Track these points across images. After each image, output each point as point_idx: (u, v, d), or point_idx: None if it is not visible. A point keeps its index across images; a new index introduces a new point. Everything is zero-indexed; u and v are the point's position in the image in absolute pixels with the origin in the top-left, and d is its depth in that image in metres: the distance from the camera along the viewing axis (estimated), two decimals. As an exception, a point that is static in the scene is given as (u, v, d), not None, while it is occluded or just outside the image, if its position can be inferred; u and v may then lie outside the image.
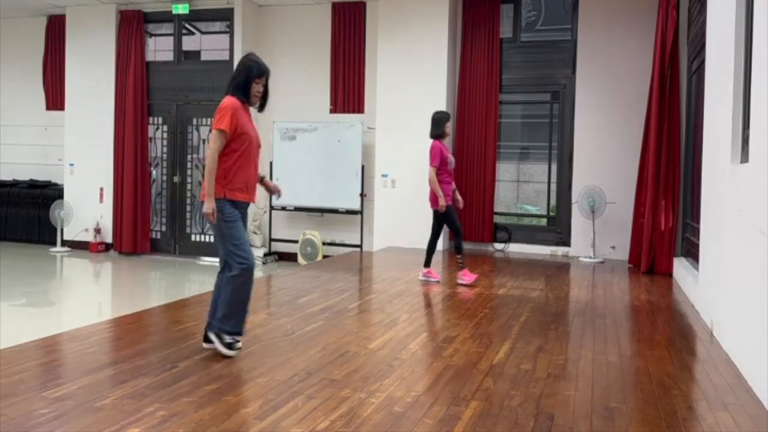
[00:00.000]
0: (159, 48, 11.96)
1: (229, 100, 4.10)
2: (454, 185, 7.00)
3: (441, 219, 6.92)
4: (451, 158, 6.88)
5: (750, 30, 4.46)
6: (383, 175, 10.15)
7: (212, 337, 4.12)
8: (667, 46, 8.07)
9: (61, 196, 11.79)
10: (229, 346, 4.09)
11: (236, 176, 4.09)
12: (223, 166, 4.05)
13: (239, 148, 4.07)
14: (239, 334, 4.16)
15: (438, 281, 7.08)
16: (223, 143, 4.04)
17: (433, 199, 6.81)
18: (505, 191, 11.45)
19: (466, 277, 6.93)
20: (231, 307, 4.07)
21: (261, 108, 4.32)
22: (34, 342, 4.50)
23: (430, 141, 6.90)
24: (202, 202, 4.06)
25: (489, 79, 9.98)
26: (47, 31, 12.36)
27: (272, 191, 4.51)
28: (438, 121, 6.90)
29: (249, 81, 4.13)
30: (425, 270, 7.14)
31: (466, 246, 10.10)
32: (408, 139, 9.96)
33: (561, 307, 6.04)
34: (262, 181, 4.40)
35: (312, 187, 10.56)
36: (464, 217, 10.06)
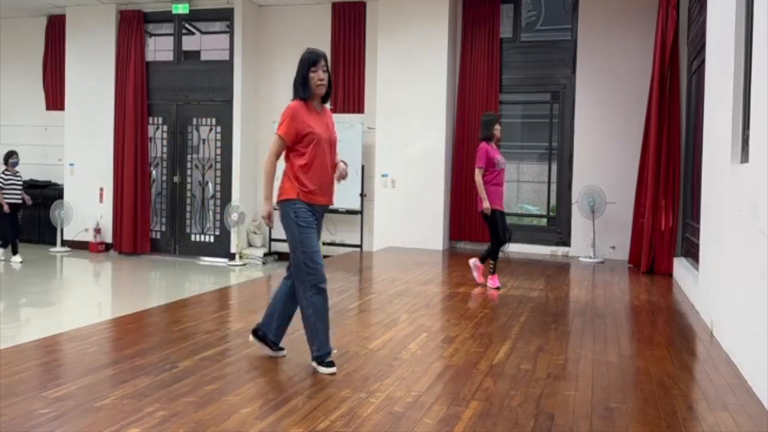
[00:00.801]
0: (159, 48, 11.96)
1: (290, 105, 3.93)
2: (504, 188, 6.85)
3: (486, 222, 6.78)
4: (499, 159, 6.68)
5: (750, 30, 4.46)
6: (383, 175, 10.15)
7: (313, 364, 3.88)
8: (667, 46, 8.07)
9: (61, 196, 11.79)
10: (329, 364, 3.85)
11: (308, 177, 3.83)
12: (294, 167, 3.85)
13: (307, 149, 3.83)
14: (328, 353, 3.89)
15: (482, 284, 6.88)
16: (281, 148, 3.86)
17: (479, 201, 6.69)
18: (505, 191, 11.43)
19: (492, 280, 6.80)
20: (313, 328, 3.85)
21: (326, 97, 4.03)
22: (34, 342, 4.50)
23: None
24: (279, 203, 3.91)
25: (489, 79, 9.98)
26: (47, 31, 12.36)
27: (340, 177, 4.04)
28: (487, 123, 6.75)
29: (306, 74, 3.91)
30: (490, 276, 6.86)
31: (467, 246, 10.12)
32: (408, 139, 9.97)
33: (561, 307, 6.04)
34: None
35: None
36: (464, 218, 10.08)
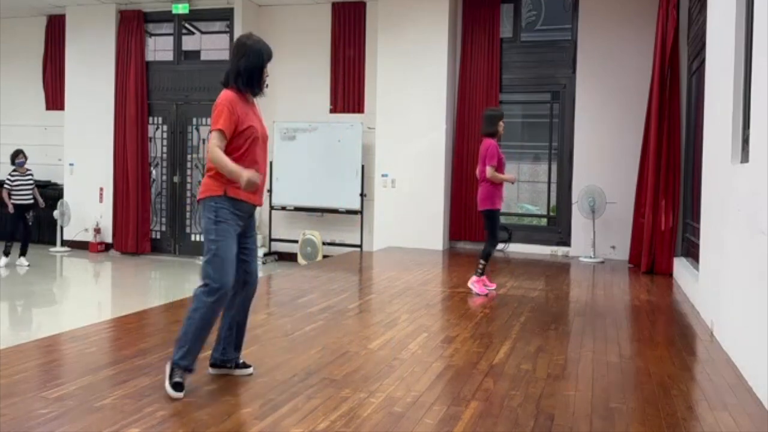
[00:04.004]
0: (159, 48, 11.96)
1: (225, 95, 3.49)
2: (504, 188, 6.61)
3: (487, 221, 6.51)
4: (503, 157, 6.49)
5: (750, 30, 4.46)
6: (383, 175, 10.15)
7: (167, 367, 3.47)
8: (667, 46, 8.07)
9: (61, 196, 11.78)
10: (177, 386, 3.37)
11: None
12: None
13: (243, 145, 3.48)
14: (190, 370, 3.47)
15: (485, 294, 6.44)
16: (223, 144, 3.43)
17: (481, 200, 6.41)
18: (505, 191, 11.42)
19: (477, 285, 6.48)
20: (186, 333, 3.45)
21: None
22: (34, 342, 4.51)
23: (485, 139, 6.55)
24: (199, 201, 3.53)
25: (489, 79, 9.98)
26: (47, 31, 12.36)
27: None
28: (492, 118, 6.49)
29: (262, 68, 3.56)
30: (474, 278, 6.54)
31: (467, 246, 10.12)
32: (408, 139, 9.97)
33: (561, 307, 6.04)
34: None
35: (312, 187, 10.55)
36: (464, 217, 10.08)
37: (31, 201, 10.24)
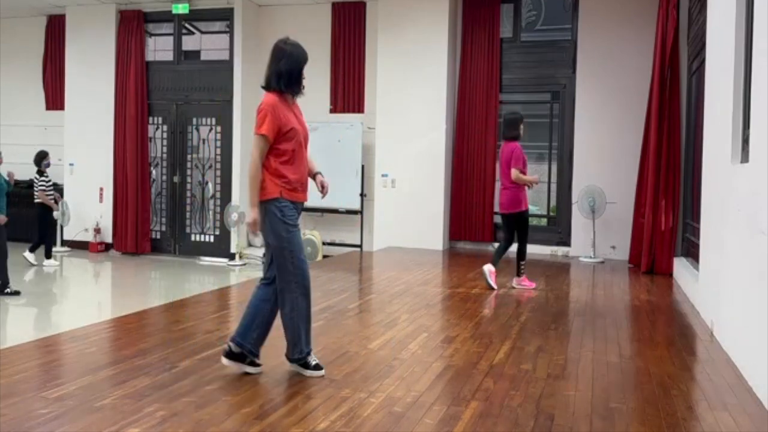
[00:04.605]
0: (159, 48, 11.96)
1: (268, 99, 3.67)
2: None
3: (516, 222, 6.61)
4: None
5: (750, 30, 4.46)
6: (383, 175, 10.15)
7: (293, 366, 3.78)
8: (667, 46, 8.07)
9: (61, 196, 11.77)
10: (317, 366, 3.78)
11: (291, 174, 3.69)
12: (275, 164, 3.66)
13: (289, 147, 3.68)
14: (310, 353, 3.80)
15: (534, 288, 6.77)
16: (265, 149, 3.63)
17: (509, 203, 6.55)
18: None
19: (525, 281, 6.76)
20: (295, 331, 3.70)
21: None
22: (34, 342, 4.51)
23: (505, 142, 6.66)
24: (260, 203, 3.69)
25: (489, 79, 9.98)
26: (47, 31, 12.36)
27: (324, 191, 4.00)
28: (513, 121, 6.59)
29: (301, 70, 3.74)
30: (517, 279, 6.79)
31: (467, 246, 10.12)
32: (408, 139, 9.97)
33: (561, 307, 6.04)
34: (315, 177, 3.97)
35: (312, 187, 10.52)
36: (464, 218, 10.08)
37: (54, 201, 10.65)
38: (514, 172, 6.43)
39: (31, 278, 9.36)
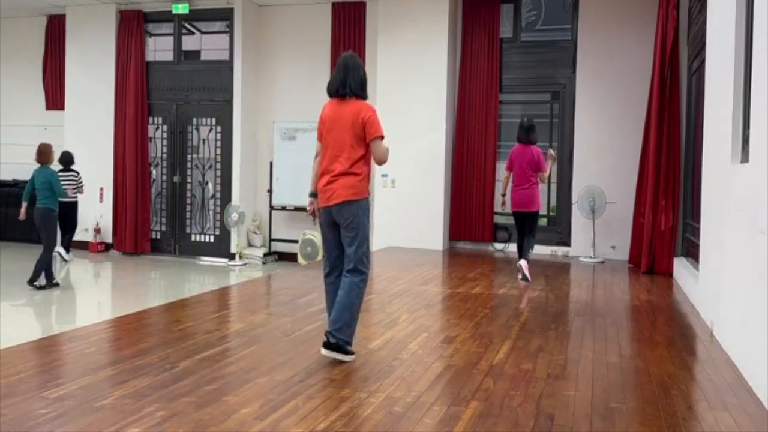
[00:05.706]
0: (159, 48, 11.96)
1: (371, 106, 4.23)
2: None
3: (536, 218, 7.33)
4: None
5: (750, 30, 4.46)
6: (383, 175, 10.15)
7: (328, 351, 4.04)
8: (667, 46, 8.07)
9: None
10: (352, 352, 4.10)
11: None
12: (366, 168, 4.15)
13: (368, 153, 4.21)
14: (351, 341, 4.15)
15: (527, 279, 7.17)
16: None
17: (531, 201, 7.15)
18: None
19: (528, 269, 7.19)
20: (353, 314, 4.09)
21: None
22: (34, 342, 4.51)
23: (530, 146, 7.23)
24: (349, 202, 4.09)
25: (489, 79, 9.98)
26: (47, 31, 12.35)
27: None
28: (534, 128, 7.29)
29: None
30: (525, 263, 7.20)
31: (467, 246, 10.12)
32: (408, 138, 9.95)
33: (561, 307, 6.04)
34: None
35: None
36: (464, 217, 10.08)
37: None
38: (542, 176, 7.20)
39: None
